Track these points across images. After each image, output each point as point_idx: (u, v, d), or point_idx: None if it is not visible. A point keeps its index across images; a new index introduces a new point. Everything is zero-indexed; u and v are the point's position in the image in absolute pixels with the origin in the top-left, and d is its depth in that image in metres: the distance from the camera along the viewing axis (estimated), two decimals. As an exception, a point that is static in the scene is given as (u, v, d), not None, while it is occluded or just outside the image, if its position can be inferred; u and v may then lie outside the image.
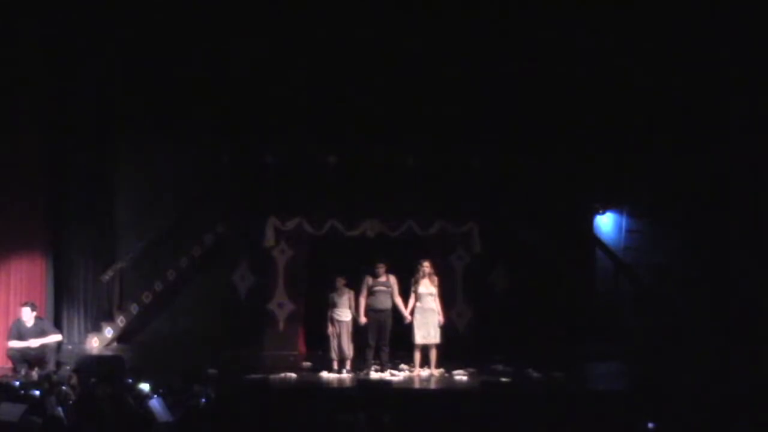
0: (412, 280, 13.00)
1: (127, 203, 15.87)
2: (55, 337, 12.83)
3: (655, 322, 15.18)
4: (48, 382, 10.74)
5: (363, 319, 12.94)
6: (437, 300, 12.96)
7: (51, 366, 12.46)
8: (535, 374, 12.92)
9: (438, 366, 13.00)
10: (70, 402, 9.54)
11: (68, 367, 12.29)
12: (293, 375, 12.77)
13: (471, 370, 13.09)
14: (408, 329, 12.92)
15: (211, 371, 12.05)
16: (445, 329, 13.18)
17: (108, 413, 9.06)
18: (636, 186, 16.37)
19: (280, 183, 15.17)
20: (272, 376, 12.41)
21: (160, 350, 14.61)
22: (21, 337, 12.62)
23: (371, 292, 12.93)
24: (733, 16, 13.89)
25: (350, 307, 12.87)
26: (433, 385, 12.50)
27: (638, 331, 15.31)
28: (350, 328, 12.88)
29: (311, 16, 14.95)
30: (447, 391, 12.10)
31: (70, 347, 14.39)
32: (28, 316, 12.70)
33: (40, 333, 12.68)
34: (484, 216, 15.20)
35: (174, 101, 15.44)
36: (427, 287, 12.91)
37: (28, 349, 12.55)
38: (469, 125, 15.40)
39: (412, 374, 12.94)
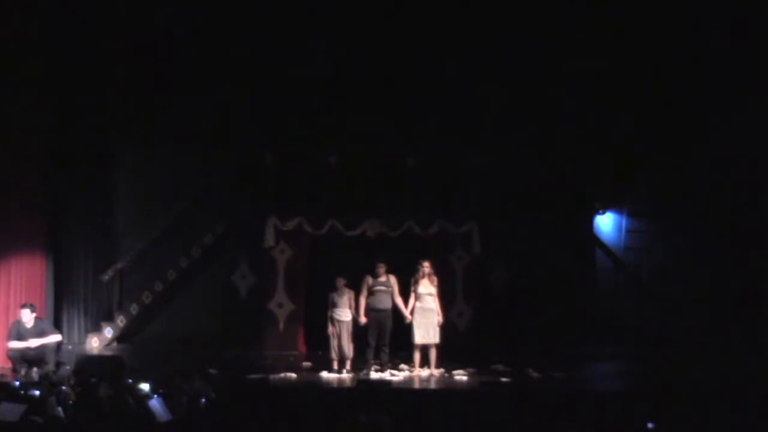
0: (412, 280, 13.00)
1: (127, 203, 15.88)
2: (54, 337, 12.82)
3: (655, 322, 15.19)
4: (48, 382, 10.75)
5: (363, 319, 12.94)
6: (437, 300, 12.96)
7: (51, 366, 12.45)
8: (535, 374, 12.92)
9: (438, 366, 13.00)
10: (70, 402, 9.55)
11: (68, 367, 12.29)
12: (293, 375, 12.77)
13: (471, 370, 13.09)
14: (408, 329, 12.93)
15: (211, 371, 12.06)
16: (445, 329, 13.18)
17: (108, 413, 9.08)
18: (636, 186, 16.37)
19: (280, 183, 15.17)
20: (272, 376, 12.41)
21: (160, 350, 14.61)
22: (21, 338, 12.61)
23: (371, 292, 12.94)
24: (734, 15, 13.90)
25: (350, 307, 12.87)
26: (433, 385, 12.49)
27: (638, 331, 15.31)
28: (350, 328, 12.88)
29: (311, 17, 14.94)
30: (447, 391, 12.09)
31: (70, 347, 14.40)
32: (27, 318, 12.69)
33: (40, 333, 12.67)
34: (484, 216, 15.20)
35: (174, 101, 15.43)
36: (427, 287, 12.91)
37: (28, 349, 12.54)
38: (469, 125, 15.39)
39: (412, 374, 12.94)
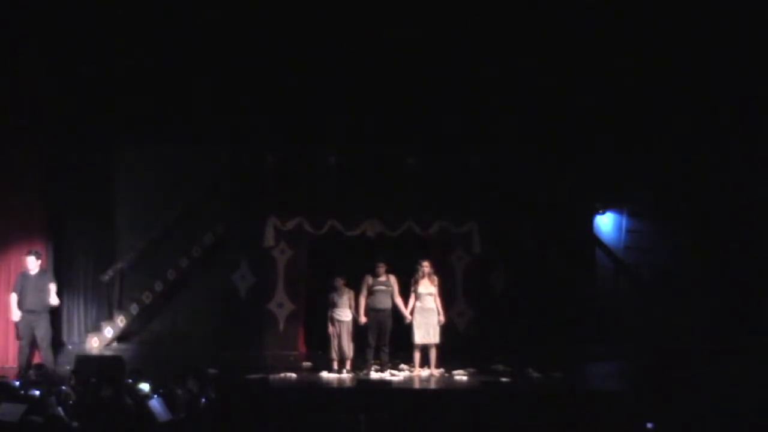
0: (412, 280, 13.02)
1: (127, 203, 15.87)
2: (53, 293, 12.82)
3: (655, 322, 15.18)
4: (48, 382, 10.75)
5: (363, 319, 12.95)
6: (437, 300, 12.97)
7: (42, 331, 12.51)
8: (535, 374, 12.93)
9: (438, 366, 13.01)
10: (70, 402, 9.55)
11: (68, 367, 12.29)
12: (293, 375, 12.78)
13: (471, 370, 13.09)
14: (408, 329, 12.93)
15: (211, 371, 12.06)
16: (445, 329, 13.19)
17: (108, 413, 9.08)
18: (636, 186, 16.36)
19: (280, 183, 15.17)
20: (272, 376, 12.39)
21: (160, 350, 14.61)
22: (23, 288, 12.61)
23: (371, 292, 12.95)
24: (733, 15, 13.89)
25: (350, 307, 12.88)
26: (433, 385, 12.50)
27: (638, 331, 15.30)
28: (350, 328, 12.89)
29: (311, 16, 14.94)
30: (447, 391, 12.10)
31: (70, 347, 14.40)
32: (33, 265, 12.71)
33: (41, 289, 12.61)
34: (484, 216, 15.20)
35: (174, 101, 15.41)
36: (427, 287, 12.92)
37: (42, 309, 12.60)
38: (469, 125, 15.38)
39: (412, 374, 12.95)
